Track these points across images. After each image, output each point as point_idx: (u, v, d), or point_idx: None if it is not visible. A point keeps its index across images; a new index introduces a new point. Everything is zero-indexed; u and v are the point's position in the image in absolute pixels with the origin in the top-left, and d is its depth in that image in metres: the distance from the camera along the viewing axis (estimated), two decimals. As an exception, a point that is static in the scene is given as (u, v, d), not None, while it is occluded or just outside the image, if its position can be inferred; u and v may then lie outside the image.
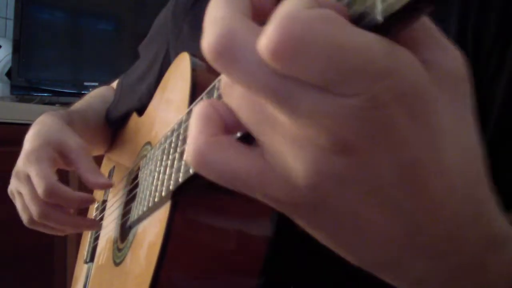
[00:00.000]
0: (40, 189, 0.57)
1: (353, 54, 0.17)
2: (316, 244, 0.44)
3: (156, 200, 0.45)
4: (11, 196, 0.66)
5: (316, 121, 0.18)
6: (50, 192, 0.57)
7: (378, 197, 0.20)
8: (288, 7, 0.18)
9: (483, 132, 0.47)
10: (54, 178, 0.58)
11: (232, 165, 0.20)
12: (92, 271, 0.71)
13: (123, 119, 0.79)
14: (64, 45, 1.87)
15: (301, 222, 0.23)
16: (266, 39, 0.17)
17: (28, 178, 0.60)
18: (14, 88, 1.76)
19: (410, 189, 0.20)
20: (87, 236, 0.82)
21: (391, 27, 0.18)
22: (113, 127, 0.82)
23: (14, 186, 0.63)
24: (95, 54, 1.89)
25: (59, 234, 0.67)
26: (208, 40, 0.19)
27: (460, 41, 0.44)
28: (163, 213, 0.45)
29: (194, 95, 0.46)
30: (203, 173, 0.21)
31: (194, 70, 0.48)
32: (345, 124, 0.18)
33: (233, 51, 0.18)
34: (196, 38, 0.70)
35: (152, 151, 0.53)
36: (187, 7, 0.68)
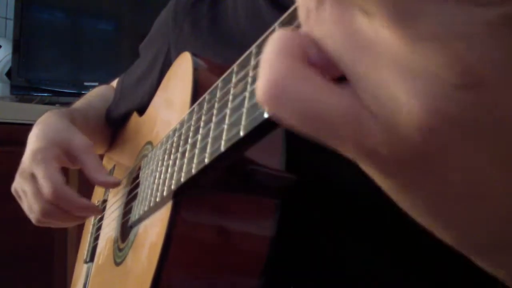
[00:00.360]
0: (45, 190, 0.57)
1: None
2: (316, 245, 0.44)
3: (157, 199, 0.45)
4: (15, 195, 0.66)
5: (442, 44, 0.14)
6: (55, 194, 0.57)
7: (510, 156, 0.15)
8: None
9: None
10: (61, 179, 0.58)
11: (320, 102, 0.16)
12: (92, 271, 0.71)
13: (124, 119, 0.79)
14: (64, 45, 1.87)
15: (394, 184, 0.18)
16: None
17: (32, 177, 0.60)
18: (14, 88, 1.76)
19: None
20: (87, 236, 0.82)
21: None
22: (113, 127, 0.82)
23: (20, 185, 0.63)
24: (95, 54, 1.88)
25: (67, 226, 0.67)
26: None
27: None
28: (164, 213, 0.45)
29: (196, 95, 0.46)
30: (280, 111, 0.17)
31: (195, 69, 0.48)
32: (479, 46, 0.13)
33: None
34: (197, 37, 0.70)
35: (153, 151, 0.53)
36: (187, 7, 0.68)
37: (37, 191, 0.59)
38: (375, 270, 0.47)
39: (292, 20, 0.25)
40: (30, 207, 0.62)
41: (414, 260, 0.46)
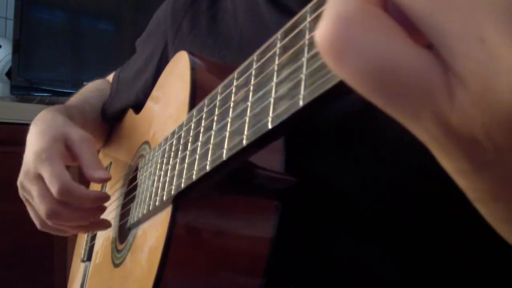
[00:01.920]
0: (54, 188, 0.56)
1: None
2: (316, 245, 0.43)
3: (157, 204, 0.45)
4: (22, 199, 0.64)
5: None
6: (65, 190, 0.56)
7: None
8: None
9: None
10: (68, 176, 0.57)
11: (399, 55, 0.13)
12: (90, 271, 0.71)
13: (119, 115, 0.79)
14: (64, 45, 1.87)
15: (482, 185, 0.15)
16: None
17: (39, 178, 0.59)
18: (14, 88, 1.76)
19: None
20: (84, 235, 0.82)
21: None
22: (109, 123, 0.82)
23: (25, 187, 0.62)
24: (95, 54, 1.88)
25: (70, 234, 0.66)
26: None
27: None
28: (164, 216, 0.44)
29: (194, 95, 0.46)
30: (345, 61, 0.13)
31: (193, 69, 0.48)
32: None
33: None
34: (196, 36, 0.70)
35: (152, 153, 0.53)
36: (187, 4, 0.67)
37: (44, 192, 0.58)
38: (375, 270, 0.47)
39: (295, 27, 0.25)
40: (37, 209, 0.61)
41: (414, 261, 0.46)
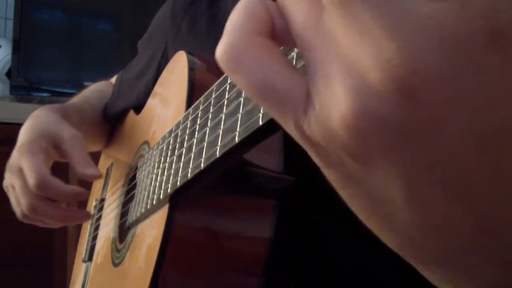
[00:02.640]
0: (31, 181, 0.56)
1: None
2: (315, 245, 0.43)
3: (154, 202, 0.45)
4: (6, 190, 0.65)
5: (383, 36, 0.13)
6: (41, 184, 0.56)
7: (444, 171, 0.14)
8: None
9: None
10: (46, 171, 0.57)
11: (272, 74, 0.16)
12: (91, 271, 0.71)
13: (120, 116, 0.79)
14: (64, 45, 1.87)
15: (330, 175, 0.18)
16: None
17: (20, 171, 0.59)
18: (13, 88, 1.76)
19: (493, 168, 0.14)
20: (85, 235, 0.82)
21: None
22: (110, 123, 0.82)
23: (8, 180, 0.63)
24: (95, 54, 1.88)
25: (53, 227, 0.66)
26: None
27: None
28: (161, 215, 0.44)
29: (191, 95, 0.46)
30: (234, 75, 0.17)
31: (191, 69, 0.48)
32: (421, 49, 0.12)
33: None
34: (195, 36, 0.70)
35: (150, 152, 0.53)
36: (186, 5, 0.67)
37: (25, 185, 0.58)
38: (375, 271, 0.47)
39: None
40: (18, 201, 0.61)
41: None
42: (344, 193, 0.18)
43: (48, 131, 0.63)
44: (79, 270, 0.79)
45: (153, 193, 0.46)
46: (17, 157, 0.60)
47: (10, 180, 0.62)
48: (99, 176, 0.61)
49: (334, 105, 0.15)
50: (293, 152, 0.44)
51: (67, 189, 0.58)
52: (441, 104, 0.13)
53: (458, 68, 0.12)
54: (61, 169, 0.63)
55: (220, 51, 0.17)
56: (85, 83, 1.88)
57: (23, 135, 0.63)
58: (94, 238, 0.75)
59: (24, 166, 0.58)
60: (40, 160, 0.58)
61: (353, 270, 0.47)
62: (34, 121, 0.66)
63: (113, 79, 0.90)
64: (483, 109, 0.13)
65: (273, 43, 0.17)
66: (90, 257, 0.74)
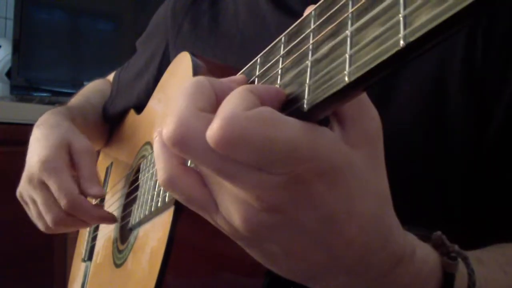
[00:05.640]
0: (63, 201, 0.57)
1: (281, 146, 0.22)
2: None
3: (159, 205, 0.45)
4: (20, 200, 0.64)
5: (251, 190, 0.24)
6: (73, 205, 0.57)
7: (304, 237, 0.26)
8: (230, 107, 0.23)
9: (484, 131, 0.47)
10: (76, 190, 0.58)
11: (192, 192, 0.28)
12: (91, 270, 0.71)
13: (120, 116, 0.79)
14: (64, 45, 1.87)
15: (241, 244, 0.29)
16: (212, 134, 0.22)
17: (43, 185, 0.59)
18: (13, 88, 1.76)
19: (329, 233, 0.26)
20: (85, 235, 0.82)
21: (316, 113, 0.23)
22: (110, 123, 0.82)
23: (27, 192, 0.62)
24: (94, 54, 1.88)
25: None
26: (167, 129, 0.24)
27: (468, 46, 0.44)
28: (166, 218, 0.44)
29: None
30: (171, 192, 0.29)
31: (196, 70, 0.48)
32: (273, 193, 0.24)
33: (187, 141, 0.24)
34: (197, 36, 0.70)
35: (153, 153, 0.53)
36: (186, 5, 0.67)
37: (50, 201, 0.59)
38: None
39: (299, 32, 0.25)
40: (39, 215, 0.61)
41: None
42: (249, 251, 0.29)
43: (64, 141, 0.62)
44: (78, 269, 0.79)
45: (158, 196, 0.45)
46: (40, 170, 0.59)
47: (30, 192, 0.61)
48: (102, 196, 0.62)
49: (231, 218, 0.27)
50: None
51: (95, 213, 0.59)
52: (293, 212, 0.26)
53: (296, 199, 0.25)
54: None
55: (159, 178, 0.29)
56: (85, 83, 1.86)
57: (39, 146, 0.62)
58: (94, 238, 0.75)
59: (52, 185, 0.58)
60: (69, 179, 0.58)
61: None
62: (47, 130, 0.65)
63: (110, 77, 0.89)
64: (316, 208, 0.25)
65: (191, 169, 0.28)
66: (89, 257, 0.74)
